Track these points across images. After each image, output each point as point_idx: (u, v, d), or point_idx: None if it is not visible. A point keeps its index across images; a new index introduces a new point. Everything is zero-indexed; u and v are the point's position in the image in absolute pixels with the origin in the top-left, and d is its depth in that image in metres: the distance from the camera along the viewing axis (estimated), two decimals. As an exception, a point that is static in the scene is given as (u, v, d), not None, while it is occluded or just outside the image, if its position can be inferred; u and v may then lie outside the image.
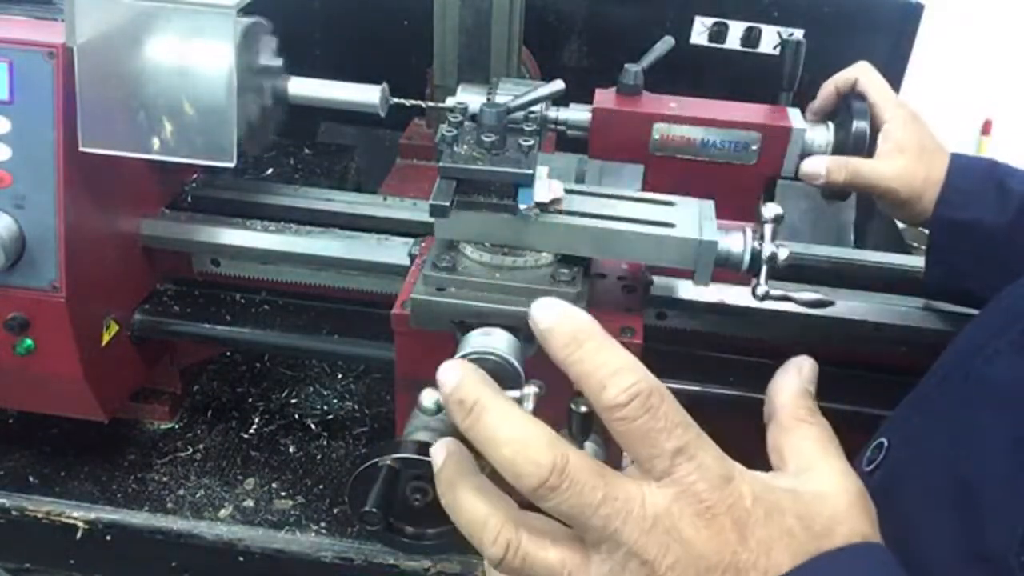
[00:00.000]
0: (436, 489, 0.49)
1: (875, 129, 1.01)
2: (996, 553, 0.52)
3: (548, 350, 0.46)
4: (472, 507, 0.47)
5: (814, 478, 0.48)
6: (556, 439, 0.44)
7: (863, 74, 1.04)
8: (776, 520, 0.44)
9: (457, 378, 0.46)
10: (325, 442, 1.20)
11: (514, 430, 0.44)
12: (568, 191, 0.89)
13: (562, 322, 0.46)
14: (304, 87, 1.09)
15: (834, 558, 0.44)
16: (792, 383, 0.52)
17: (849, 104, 1.03)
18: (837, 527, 0.46)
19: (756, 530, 0.43)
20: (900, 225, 1.63)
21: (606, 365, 0.44)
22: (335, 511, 1.09)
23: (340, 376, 1.31)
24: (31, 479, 1.12)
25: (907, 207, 0.99)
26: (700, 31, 1.75)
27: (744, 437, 1.17)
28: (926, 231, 1.00)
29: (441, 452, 0.49)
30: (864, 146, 1.01)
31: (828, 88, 1.07)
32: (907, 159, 0.98)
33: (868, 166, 0.99)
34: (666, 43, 1.12)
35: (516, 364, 0.79)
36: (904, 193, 0.97)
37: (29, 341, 0.98)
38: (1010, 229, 0.92)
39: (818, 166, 1.00)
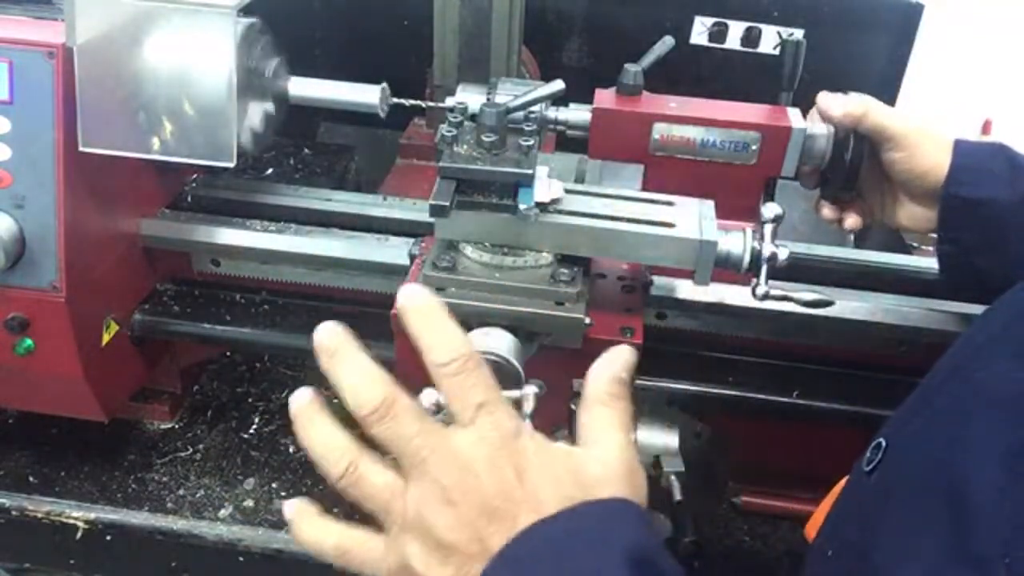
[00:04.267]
0: (293, 429, 0.59)
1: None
2: (984, 556, 0.53)
3: (404, 325, 0.57)
4: (324, 435, 0.58)
5: (596, 449, 0.57)
6: (393, 385, 0.56)
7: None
8: (549, 469, 0.55)
9: (328, 332, 0.58)
10: (325, 442, 1.20)
11: (362, 370, 0.56)
12: (568, 191, 0.89)
13: (417, 303, 0.57)
14: (304, 87, 1.09)
15: (593, 506, 0.53)
16: (604, 369, 0.61)
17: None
18: (602, 485, 0.55)
19: (532, 475, 0.54)
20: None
21: (442, 334, 0.56)
22: (335, 511, 1.09)
23: (340, 376, 1.31)
24: (31, 479, 1.12)
25: (915, 159, 0.96)
26: (700, 31, 1.74)
27: (744, 436, 1.17)
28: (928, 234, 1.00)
29: (302, 394, 0.60)
30: (864, 145, 1.00)
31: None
32: (918, 117, 0.97)
33: (885, 107, 0.97)
34: (666, 43, 1.12)
35: (516, 364, 0.79)
36: (913, 137, 0.95)
37: (29, 341, 0.98)
38: (1020, 203, 0.90)
39: (834, 99, 0.99)
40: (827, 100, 1.00)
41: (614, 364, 0.61)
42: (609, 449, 0.57)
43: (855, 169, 1.02)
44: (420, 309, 0.57)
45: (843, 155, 1.02)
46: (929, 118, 0.99)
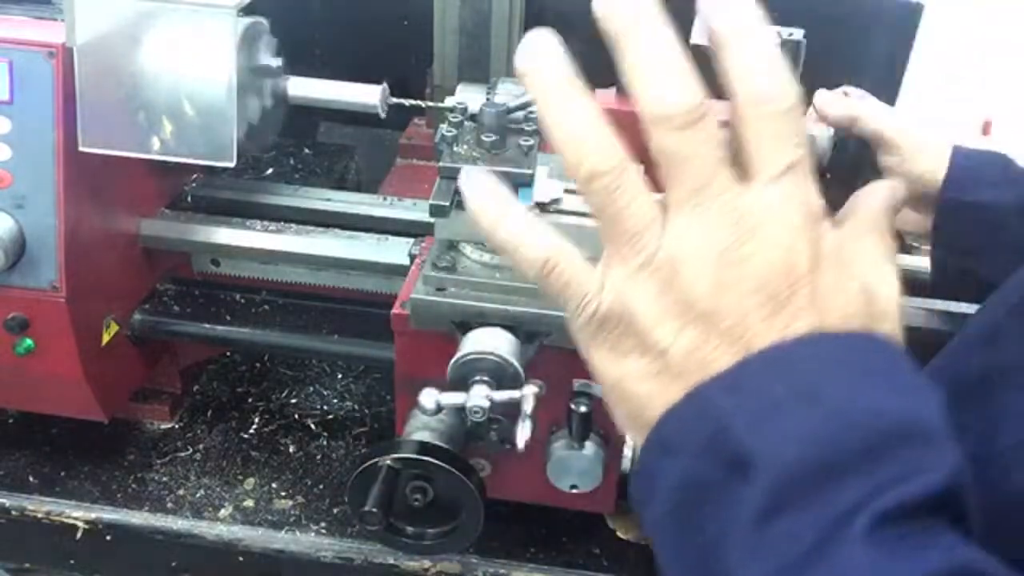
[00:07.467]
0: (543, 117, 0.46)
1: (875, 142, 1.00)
2: None
3: (712, 34, 0.44)
4: (593, 118, 0.45)
5: (881, 278, 0.45)
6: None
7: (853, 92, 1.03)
8: (845, 277, 0.43)
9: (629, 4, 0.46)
10: (325, 442, 1.20)
11: (677, 61, 0.43)
12: (568, 191, 0.89)
13: (727, 13, 0.44)
14: (304, 87, 1.09)
15: (885, 342, 0.42)
16: (880, 195, 0.49)
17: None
18: (891, 317, 0.44)
19: (826, 272, 0.42)
20: (900, 225, 1.63)
21: (763, 59, 0.43)
22: (335, 511, 1.09)
23: (340, 376, 1.31)
24: (31, 479, 1.12)
25: (910, 164, 0.95)
26: (700, 31, 1.74)
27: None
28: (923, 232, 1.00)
29: (557, 65, 0.48)
30: (865, 147, 1.00)
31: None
32: (916, 121, 0.96)
33: (882, 110, 0.97)
34: (666, 43, 1.12)
35: (516, 364, 0.79)
36: (909, 142, 0.95)
37: (29, 341, 0.98)
38: (1018, 210, 0.90)
39: (831, 99, 0.98)
40: (823, 100, 0.99)
41: (893, 195, 0.49)
42: (893, 283, 0.45)
43: (854, 170, 1.02)
44: (742, 27, 0.43)
45: (843, 155, 1.02)
46: (927, 122, 0.99)
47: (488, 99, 1.03)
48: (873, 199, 0.49)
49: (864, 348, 0.41)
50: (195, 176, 1.19)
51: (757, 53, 0.42)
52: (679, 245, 0.42)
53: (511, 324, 0.82)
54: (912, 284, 1.08)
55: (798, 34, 1.10)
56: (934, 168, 0.94)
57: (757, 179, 0.42)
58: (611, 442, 0.92)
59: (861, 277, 0.44)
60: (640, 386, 0.43)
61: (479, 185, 0.45)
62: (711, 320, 0.41)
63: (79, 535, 1.07)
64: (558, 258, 0.45)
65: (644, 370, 0.43)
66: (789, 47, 1.07)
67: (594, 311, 0.44)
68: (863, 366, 0.40)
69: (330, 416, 1.24)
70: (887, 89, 1.05)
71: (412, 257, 0.99)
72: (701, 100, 0.42)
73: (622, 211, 0.43)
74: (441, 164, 0.84)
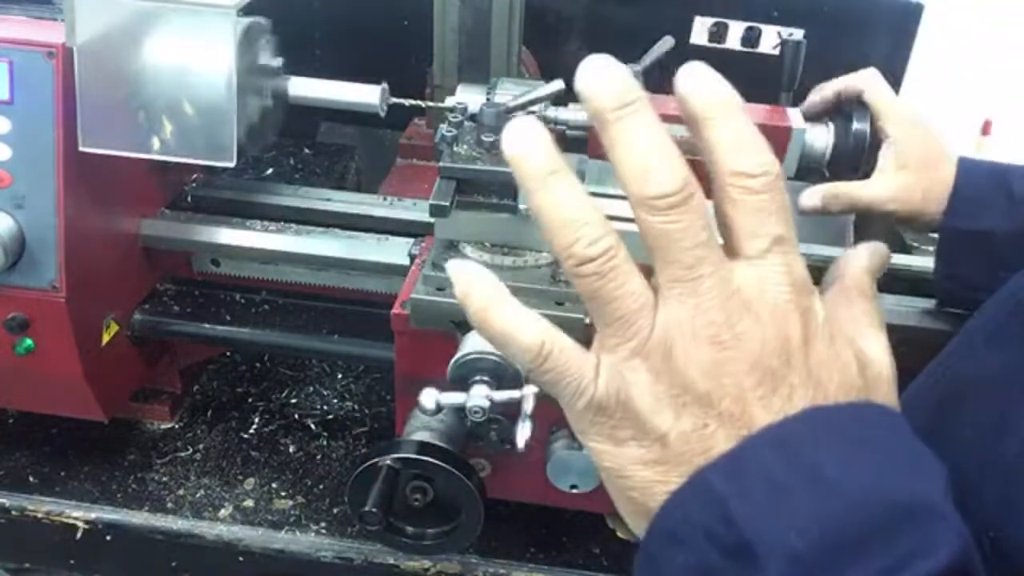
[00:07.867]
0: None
1: (877, 142, 1.00)
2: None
3: (703, 115, 0.43)
4: (579, 200, 0.42)
5: (871, 345, 0.47)
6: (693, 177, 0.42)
7: (869, 85, 1.03)
8: (838, 347, 0.44)
9: (618, 81, 0.42)
10: (325, 442, 1.20)
11: (663, 143, 0.41)
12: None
13: (706, 90, 0.44)
14: (304, 87, 1.09)
15: (883, 410, 0.43)
16: (864, 259, 0.50)
17: (849, 105, 1.03)
18: (885, 381, 0.46)
19: (818, 345, 0.43)
20: (900, 225, 1.63)
21: (752, 140, 0.43)
22: (335, 511, 1.09)
23: (340, 376, 1.31)
24: (31, 479, 1.12)
25: (908, 223, 0.98)
26: (700, 31, 1.74)
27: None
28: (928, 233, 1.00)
29: (537, 139, 0.42)
30: (864, 146, 1.00)
31: (828, 90, 1.06)
32: (906, 177, 0.96)
33: (865, 191, 0.97)
34: (666, 43, 1.12)
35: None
36: (903, 212, 0.96)
37: (29, 341, 0.98)
38: (1020, 237, 0.90)
39: (814, 199, 0.99)
40: (806, 201, 0.99)
41: (875, 257, 0.51)
42: (884, 347, 0.47)
43: (853, 172, 1.02)
44: (722, 104, 0.43)
45: (843, 156, 1.02)
46: (915, 159, 0.98)
47: (488, 99, 1.03)
48: (857, 262, 0.50)
49: (862, 420, 0.41)
50: (195, 176, 1.19)
51: (737, 129, 0.43)
52: (671, 328, 0.42)
53: (511, 324, 0.82)
54: (912, 284, 1.08)
55: (798, 34, 1.10)
56: (928, 225, 0.96)
57: (743, 255, 0.43)
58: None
59: (853, 345, 0.45)
60: (641, 473, 0.43)
61: (466, 274, 0.44)
62: (708, 402, 0.41)
63: (79, 535, 1.07)
64: (551, 345, 0.43)
65: (644, 457, 0.42)
66: (789, 47, 1.07)
67: (590, 399, 0.43)
68: (862, 441, 0.40)
69: (330, 416, 1.24)
70: (887, 89, 1.05)
71: (412, 257, 0.99)
72: (686, 182, 0.41)
73: (613, 296, 0.42)
74: (441, 164, 0.84)
